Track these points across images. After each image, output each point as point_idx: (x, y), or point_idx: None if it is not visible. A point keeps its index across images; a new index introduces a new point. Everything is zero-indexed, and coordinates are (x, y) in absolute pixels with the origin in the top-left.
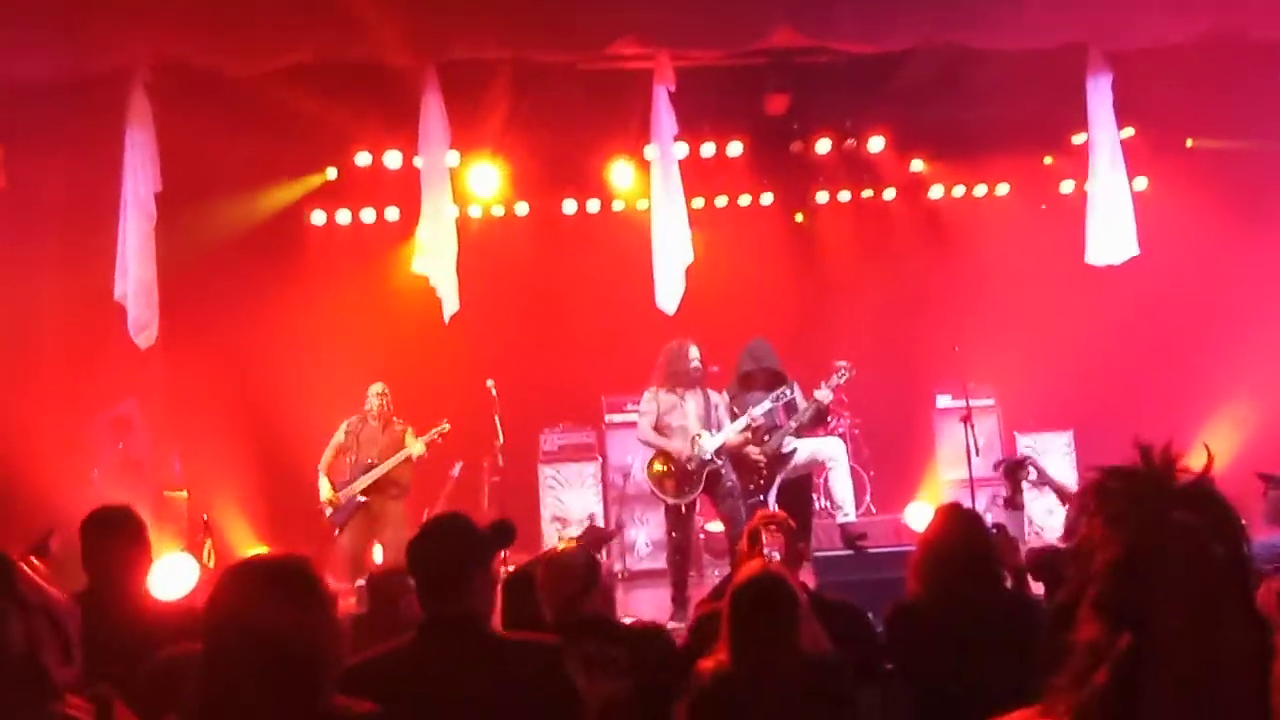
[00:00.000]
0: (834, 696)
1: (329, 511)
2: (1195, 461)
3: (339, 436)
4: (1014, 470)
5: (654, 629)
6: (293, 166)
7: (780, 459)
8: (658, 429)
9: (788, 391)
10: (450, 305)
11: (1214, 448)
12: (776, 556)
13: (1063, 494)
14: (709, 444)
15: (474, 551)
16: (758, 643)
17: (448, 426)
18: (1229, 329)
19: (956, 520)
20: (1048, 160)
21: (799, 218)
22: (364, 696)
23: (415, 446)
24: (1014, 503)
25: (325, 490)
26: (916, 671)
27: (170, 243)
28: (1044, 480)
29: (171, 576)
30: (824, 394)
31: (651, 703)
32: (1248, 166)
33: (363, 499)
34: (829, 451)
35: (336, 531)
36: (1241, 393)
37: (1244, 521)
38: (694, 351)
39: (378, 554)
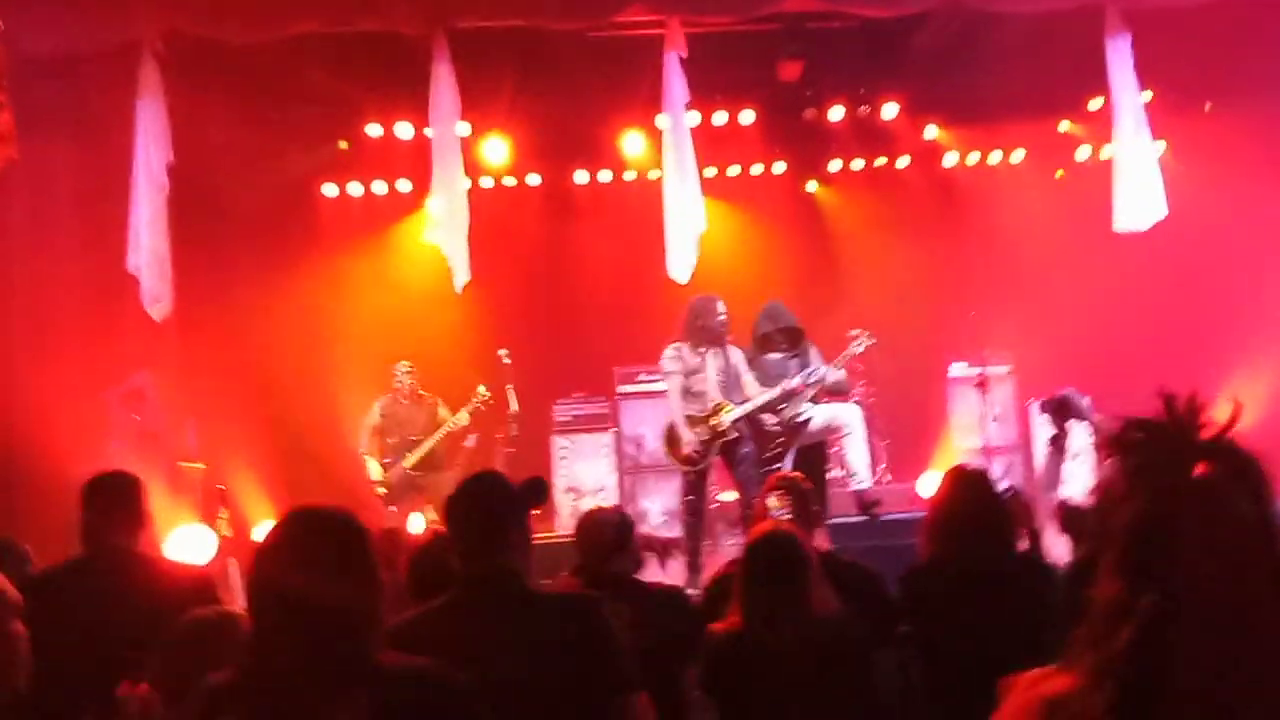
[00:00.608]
0: (846, 657)
1: (382, 491)
2: (1220, 414)
3: (374, 418)
4: (1060, 407)
5: (670, 590)
6: (304, 138)
7: (796, 427)
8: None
9: (818, 370)
10: (462, 276)
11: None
12: (785, 516)
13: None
14: (728, 418)
15: (510, 509)
16: (769, 599)
17: (487, 393)
18: (1249, 294)
19: (962, 482)
20: (1063, 125)
21: (812, 186)
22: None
23: (460, 417)
24: (1058, 442)
25: (375, 471)
26: (930, 633)
27: (183, 215)
28: (1086, 418)
29: (190, 546)
30: (840, 367)
31: (658, 661)
32: (1269, 127)
33: (414, 473)
34: (845, 418)
35: (392, 508)
36: (1261, 359)
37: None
38: (721, 306)
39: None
